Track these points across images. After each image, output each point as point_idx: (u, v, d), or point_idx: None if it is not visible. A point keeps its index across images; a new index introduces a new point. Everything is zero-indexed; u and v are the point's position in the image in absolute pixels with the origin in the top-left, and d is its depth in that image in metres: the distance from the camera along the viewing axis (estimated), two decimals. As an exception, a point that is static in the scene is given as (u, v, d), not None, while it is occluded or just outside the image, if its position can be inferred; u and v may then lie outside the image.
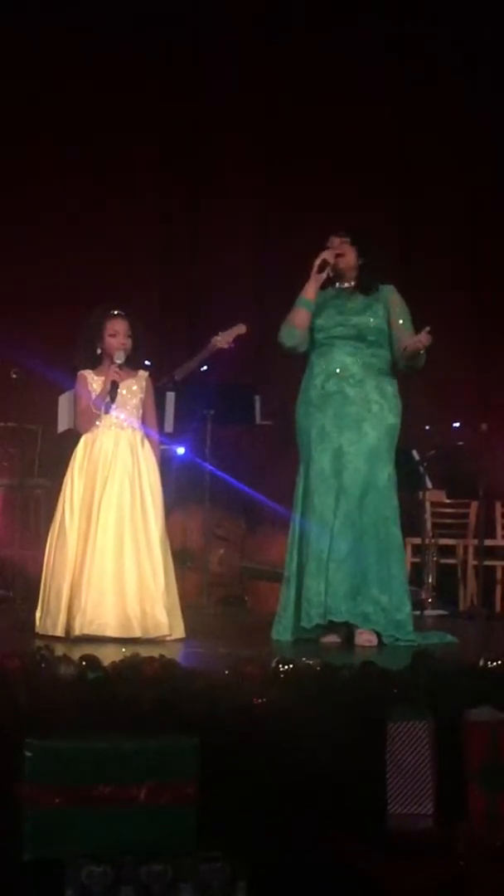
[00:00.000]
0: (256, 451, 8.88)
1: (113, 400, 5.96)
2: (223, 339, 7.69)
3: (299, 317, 6.10)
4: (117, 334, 6.00)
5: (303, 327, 6.09)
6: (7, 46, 9.14)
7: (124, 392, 5.99)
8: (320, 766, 4.23)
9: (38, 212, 9.24)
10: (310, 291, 6.08)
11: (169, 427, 7.74)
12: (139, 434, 6.03)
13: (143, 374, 6.09)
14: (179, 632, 5.90)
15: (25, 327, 8.53)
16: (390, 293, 6.12)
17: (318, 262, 6.05)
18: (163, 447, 7.50)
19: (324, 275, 6.07)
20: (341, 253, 6.08)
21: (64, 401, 7.36)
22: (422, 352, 5.96)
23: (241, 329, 7.73)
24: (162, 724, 4.19)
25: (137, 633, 5.73)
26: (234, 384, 8.08)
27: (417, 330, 6.04)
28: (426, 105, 9.68)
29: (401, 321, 6.07)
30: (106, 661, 4.36)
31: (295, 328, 6.10)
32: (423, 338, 5.92)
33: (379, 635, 5.88)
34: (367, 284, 6.11)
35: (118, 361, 5.97)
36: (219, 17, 9.53)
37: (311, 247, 6.26)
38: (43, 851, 3.94)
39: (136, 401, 6.03)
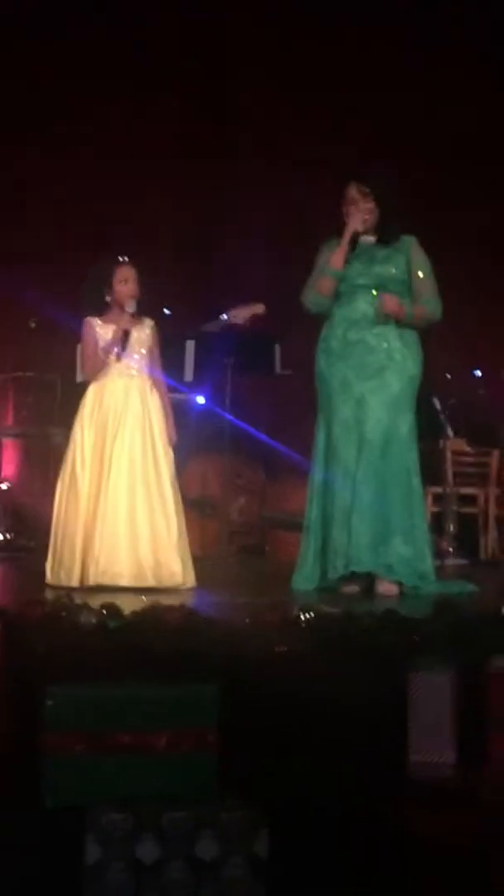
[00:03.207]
0: (276, 401, 8.85)
1: (124, 348, 5.93)
2: (239, 316, 7.65)
3: (325, 285, 6.05)
4: (128, 281, 5.97)
5: (328, 295, 6.05)
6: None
7: (134, 339, 5.96)
8: (341, 714, 4.23)
9: (57, 160, 9.18)
10: (337, 261, 6.01)
11: (188, 376, 7.72)
12: (148, 381, 6.01)
13: (148, 321, 6.07)
14: (191, 580, 5.88)
15: (43, 276, 8.50)
16: (411, 244, 6.06)
17: (348, 233, 5.98)
18: (182, 396, 7.50)
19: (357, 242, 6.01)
20: (367, 214, 6.01)
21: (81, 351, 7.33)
22: (420, 308, 5.93)
23: (258, 309, 7.70)
24: (182, 672, 4.19)
25: (151, 583, 5.72)
26: (253, 333, 8.03)
27: (440, 283, 6.01)
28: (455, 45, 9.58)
29: (420, 273, 6.02)
30: (126, 610, 4.36)
31: (320, 296, 6.07)
32: (387, 303, 5.88)
33: (400, 585, 5.86)
34: (388, 235, 6.05)
35: (130, 310, 5.94)
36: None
37: (333, 186, 6.20)
38: (64, 798, 3.96)
39: (144, 349, 6.01)
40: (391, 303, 5.90)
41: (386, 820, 4.02)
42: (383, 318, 5.92)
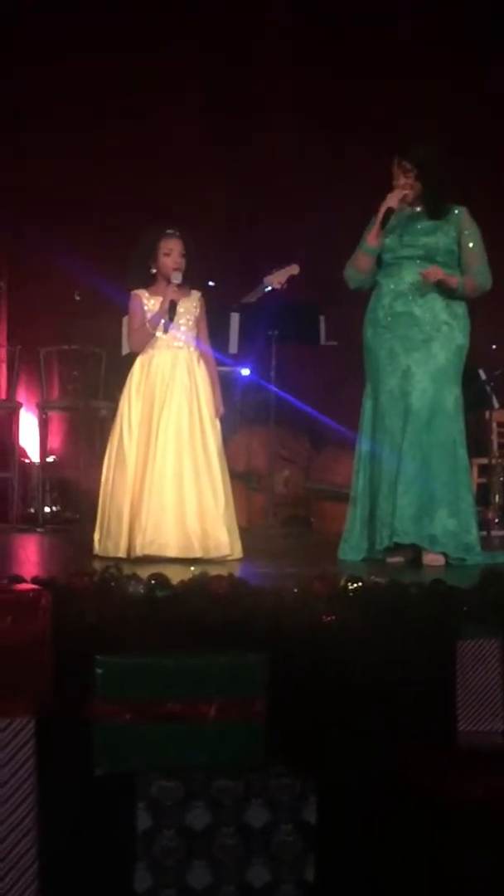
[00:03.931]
0: (321, 372, 8.85)
1: (171, 319, 5.93)
2: (276, 279, 7.66)
3: (362, 261, 6.06)
4: (172, 253, 5.96)
5: (366, 271, 6.06)
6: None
7: (181, 311, 5.96)
8: (389, 684, 4.24)
9: (102, 134, 9.20)
10: (373, 239, 6.00)
11: (233, 348, 7.73)
12: (195, 353, 6.00)
13: (196, 293, 6.06)
14: (238, 551, 5.89)
15: (88, 249, 8.52)
16: (462, 215, 6.02)
17: (381, 211, 5.95)
18: (227, 368, 7.51)
19: (390, 220, 5.98)
20: (406, 191, 5.97)
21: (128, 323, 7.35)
22: (463, 281, 5.90)
23: (293, 270, 7.70)
24: (230, 641, 4.20)
25: (198, 553, 5.72)
26: (298, 304, 8.02)
27: (489, 251, 5.99)
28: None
29: (470, 244, 5.99)
30: (174, 580, 4.37)
31: (358, 272, 6.08)
32: (429, 274, 5.85)
33: (446, 556, 5.86)
34: (433, 208, 6.00)
35: (175, 282, 5.93)
36: None
37: (372, 153, 6.17)
38: (114, 766, 3.98)
39: (192, 320, 6.00)
40: (434, 272, 5.86)
41: (434, 788, 4.03)
42: (430, 287, 5.89)
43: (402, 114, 8.88)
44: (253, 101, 9.61)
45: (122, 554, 5.72)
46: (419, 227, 6.00)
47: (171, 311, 5.91)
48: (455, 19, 9.53)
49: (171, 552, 5.69)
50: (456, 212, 6.01)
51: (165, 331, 5.93)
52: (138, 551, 5.69)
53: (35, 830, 3.81)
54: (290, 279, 7.71)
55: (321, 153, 9.47)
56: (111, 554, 5.73)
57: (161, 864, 3.92)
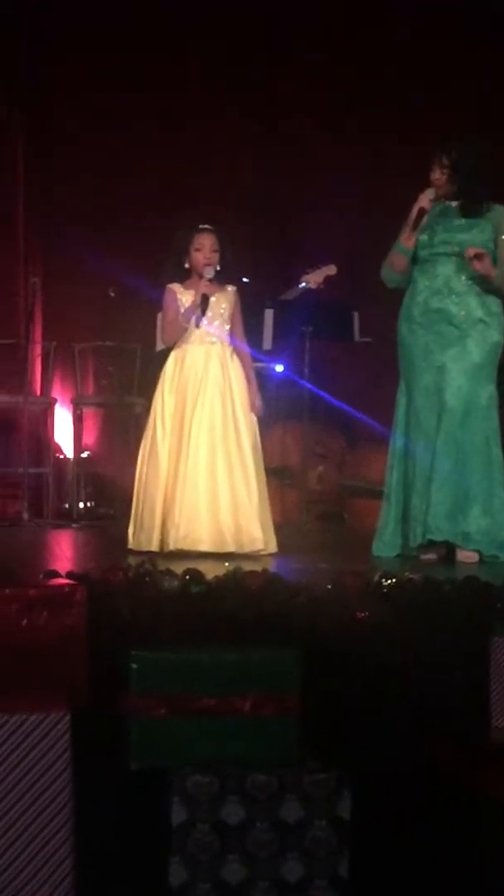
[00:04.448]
0: (355, 369, 8.84)
1: (203, 314, 5.94)
2: (312, 279, 7.66)
3: (397, 261, 6.08)
4: (203, 248, 5.98)
5: (402, 271, 6.07)
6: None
7: (214, 305, 5.98)
8: (423, 680, 4.24)
9: (137, 132, 9.21)
10: (406, 239, 6.01)
11: (267, 344, 7.73)
12: (229, 348, 6.01)
13: (231, 288, 6.07)
14: (272, 546, 5.90)
15: (123, 246, 8.54)
16: (500, 213, 6.00)
17: (413, 211, 5.95)
18: (261, 364, 7.51)
19: (422, 220, 5.97)
20: (438, 185, 5.97)
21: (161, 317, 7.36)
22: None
23: (331, 270, 7.70)
24: (265, 637, 4.22)
25: (232, 548, 5.73)
26: (332, 300, 8.02)
27: None
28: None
29: (506, 241, 5.99)
30: (209, 576, 4.39)
31: (394, 272, 6.11)
32: (471, 250, 5.83)
33: (480, 553, 5.86)
34: (469, 208, 5.99)
35: (208, 277, 5.95)
36: None
37: (407, 149, 6.16)
38: (149, 761, 4.00)
39: (225, 315, 6.01)
40: (476, 249, 5.84)
41: (468, 784, 4.03)
42: (469, 264, 5.86)
43: (435, 113, 8.88)
44: (285, 100, 9.59)
45: (155, 548, 5.75)
46: (456, 223, 5.99)
47: (202, 305, 5.92)
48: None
49: (205, 546, 5.71)
50: (494, 210, 6.00)
51: (197, 325, 5.94)
52: (171, 545, 5.72)
53: (70, 824, 3.83)
54: (327, 279, 7.72)
55: (361, 154, 9.44)
56: (144, 548, 5.76)
57: (196, 859, 3.93)
